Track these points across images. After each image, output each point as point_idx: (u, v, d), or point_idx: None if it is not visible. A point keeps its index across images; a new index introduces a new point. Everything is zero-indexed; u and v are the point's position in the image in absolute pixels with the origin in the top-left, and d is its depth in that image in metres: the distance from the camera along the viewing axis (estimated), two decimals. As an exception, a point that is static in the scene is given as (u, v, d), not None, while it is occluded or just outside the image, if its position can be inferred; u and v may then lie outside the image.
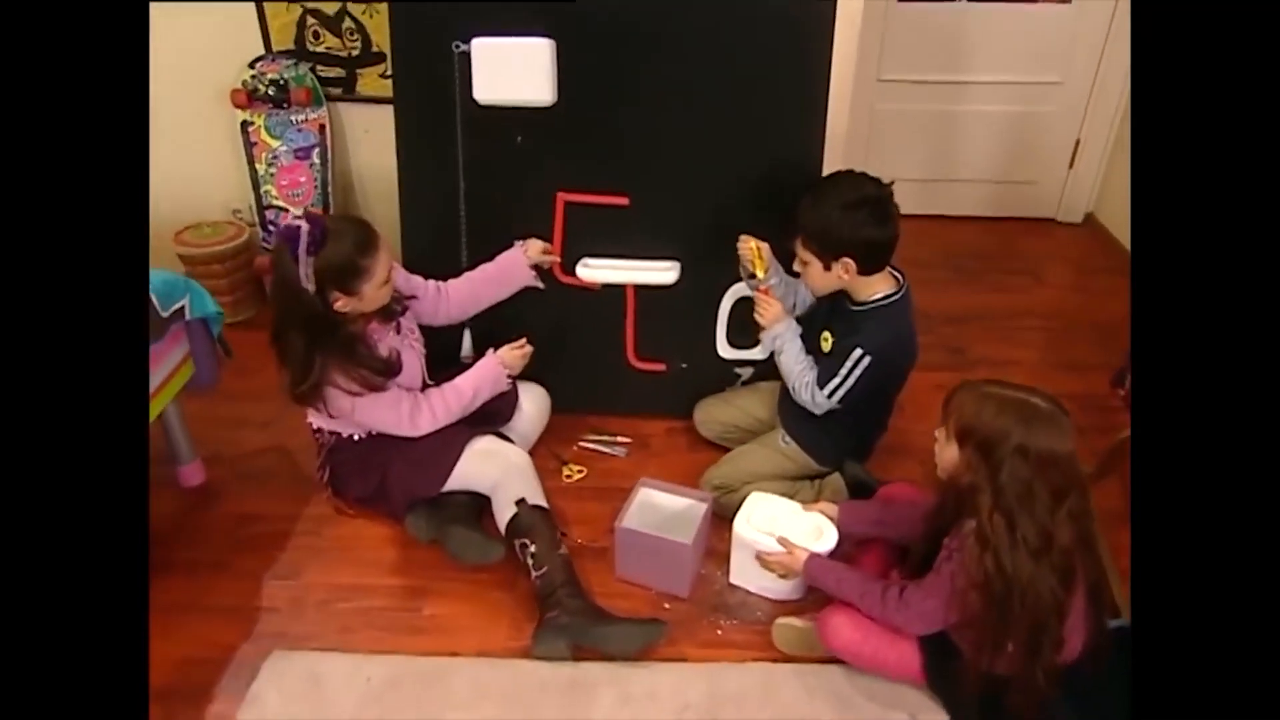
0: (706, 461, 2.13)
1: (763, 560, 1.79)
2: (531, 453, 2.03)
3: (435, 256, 2.14)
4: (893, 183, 1.81)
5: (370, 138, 2.87)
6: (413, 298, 2.00)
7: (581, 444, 2.32)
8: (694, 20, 1.94)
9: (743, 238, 2.00)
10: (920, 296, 1.93)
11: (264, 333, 1.82)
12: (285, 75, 2.71)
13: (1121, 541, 1.52)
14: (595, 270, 2.18)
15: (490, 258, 2.09)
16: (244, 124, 2.76)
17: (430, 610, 1.84)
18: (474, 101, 2.00)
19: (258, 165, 2.80)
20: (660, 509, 1.96)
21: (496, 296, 2.10)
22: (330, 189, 2.85)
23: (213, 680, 1.68)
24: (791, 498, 1.91)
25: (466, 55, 1.97)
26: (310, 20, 2.70)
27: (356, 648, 1.74)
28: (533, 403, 2.19)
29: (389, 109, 2.13)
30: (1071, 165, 3.54)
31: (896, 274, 1.89)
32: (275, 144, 2.78)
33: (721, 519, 1.92)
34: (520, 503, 1.84)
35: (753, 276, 1.99)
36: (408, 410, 1.87)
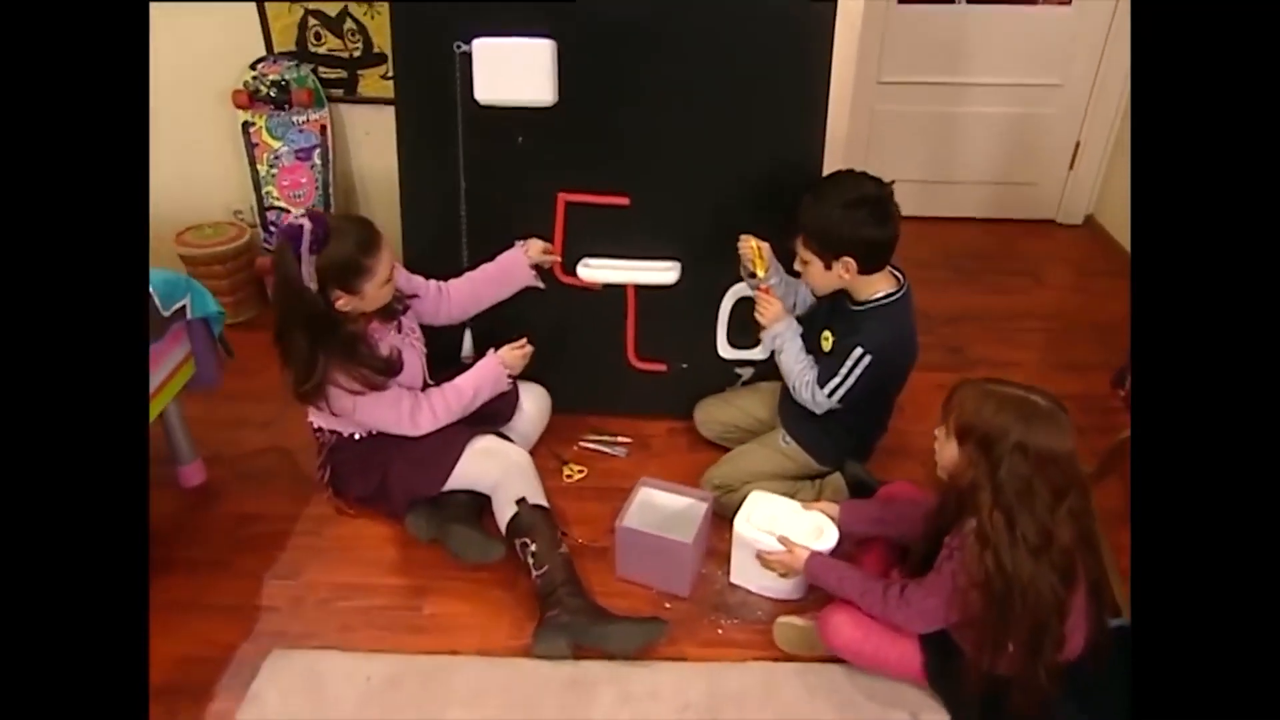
0: (707, 461, 2.14)
1: (763, 559, 1.79)
2: (532, 452, 2.03)
3: (436, 256, 2.14)
4: (893, 182, 1.81)
5: (371, 139, 2.88)
6: (414, 297, 2.00)
7: (582, 444, 2.32)
8: (695, 21, 1.94)
9: (743, 237, 2.00)
10: (920, 297, 1.93)
11: (265, 333, 1.82)
12: (287, 76, 2.71)
13: (1121, 541, 1.52)
14: (596, 270, 2.18)
15: (491, 258, 2.10)
16: (245, 125, 2.76)
17: (430, 609, 1.84)
18: (475, 102, 2.00)
19: (259, 166, 2.80)
20: (661, 508, 1.96)
21: (497, 296, 2.10)
22: (331, 190, 2.85)
23: (213, 679, 1.68)
24: (792, 497, 1.91)
25: (467, 55, 1.97)
26: (312, 21, 2.71)
27: (357, 646, 1.74)
28: (533, 402, 2.19)
29: (390, 111, 2.13)
30: (1071, 167, 3.54)
31: (897, 273, 1.89)
32: (276, 145, 2.78)
33: (722, 518, 1.92)
34: (521, 502, 1.84)
35: (753, 276, 1.99)
36: (408, 409, 1.88)
